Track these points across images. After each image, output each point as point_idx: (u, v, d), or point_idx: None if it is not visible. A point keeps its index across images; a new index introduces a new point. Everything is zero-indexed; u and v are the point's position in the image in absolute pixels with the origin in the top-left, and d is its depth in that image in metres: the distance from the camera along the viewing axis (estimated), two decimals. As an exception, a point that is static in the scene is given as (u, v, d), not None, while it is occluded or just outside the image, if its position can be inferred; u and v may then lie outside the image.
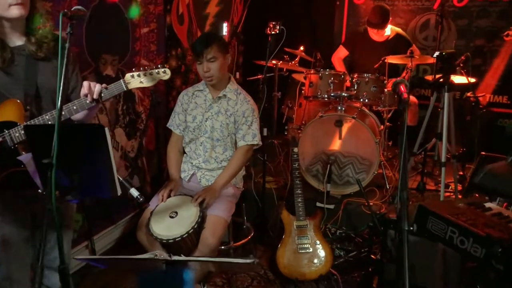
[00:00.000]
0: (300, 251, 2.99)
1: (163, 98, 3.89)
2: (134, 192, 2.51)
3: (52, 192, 1.33)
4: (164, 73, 1.97)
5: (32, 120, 1.82)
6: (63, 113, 1.83)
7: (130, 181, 2.59)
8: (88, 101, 1.86)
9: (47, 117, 1.83)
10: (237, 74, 4.44)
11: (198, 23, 4.30)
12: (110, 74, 3.26)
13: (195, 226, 2.44)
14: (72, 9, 1.69)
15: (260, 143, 2.87)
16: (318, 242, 3.01)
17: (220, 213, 2.59)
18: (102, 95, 1.88)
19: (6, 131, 1.77)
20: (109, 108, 3.35)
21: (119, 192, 1.68)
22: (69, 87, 2.06)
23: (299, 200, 3.08)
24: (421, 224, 1.77)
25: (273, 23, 3.33)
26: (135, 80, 1.91)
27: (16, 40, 1.88)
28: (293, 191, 3.10)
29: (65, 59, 1.56)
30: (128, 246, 3.31)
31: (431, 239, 1.75)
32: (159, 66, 1.97)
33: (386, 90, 3.93)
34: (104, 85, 1.90)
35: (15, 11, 1.77)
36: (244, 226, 3.25)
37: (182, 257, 1.50)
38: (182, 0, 4.00)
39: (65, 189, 1.53)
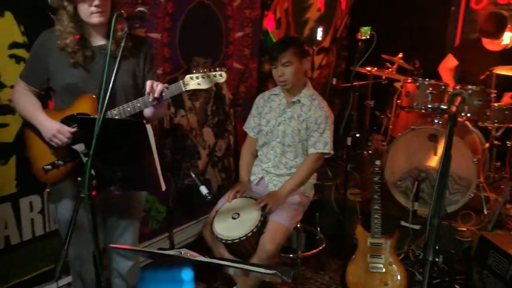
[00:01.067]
0: (372, 270, 2.81)
1: (253, 100, 3.95)
2: (203, 190, 2.60)
3: (86, 180, 1.42)
4: (221, 76, 2.00)
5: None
6: (128, 109, 1.96)
7: (201, 179, 2.66)
8: (150, 100, 1.96)
9: (115, 111, 1.97)
10: (334, 80, 4.34)
11: (297, 28, 4.29)
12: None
13: (254, 230, 2.44)
14: (136, 10, 1.78)
15: (332, 152, 2.76)
16: (393, 263, 2.81)
17: (282, 220, 2.54)
18: (163, 94, 1.97)
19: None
20: (199, 108, 3.50)
21: (163, 187, 1.73)
22: (144, 85, 2.20)
23: (376, 216, 2.90)
24: (481, 258, 1.54)
25: (364, 28, 3.18)
26: (193, 82, 1.97)
27: (98, 41, 2.05)
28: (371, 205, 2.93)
29: (118, 58, 1.65)
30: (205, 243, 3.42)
31: (493, 275, 1.52)
32: (217, 69, 2.01)
33: (494, 104, 3.52)
34: (165, 84, 1.99)
35: (96, 19, 1.93)
36: (317, 237, 3.16)
37: (206, 259, 1.50)
38: (280, 5, 4.03)
39: (108, 179, 1.64)
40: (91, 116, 1.89)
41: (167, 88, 1.98)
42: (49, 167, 1.78)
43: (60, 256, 1.43)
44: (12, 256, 2.53)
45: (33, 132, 2.03)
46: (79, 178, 1.47)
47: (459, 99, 1.39)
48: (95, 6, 1.88)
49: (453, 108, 1.34)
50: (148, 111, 2.10)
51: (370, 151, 4.06)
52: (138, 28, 2.91)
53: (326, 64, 4.75)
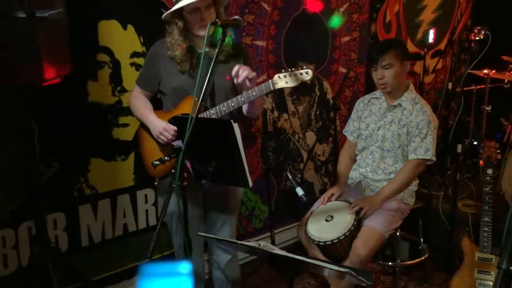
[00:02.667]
0: (479, 287, 2.61)
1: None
2: (299, 191, 2.65)
3: (177, 173, 1.58)
4: (306, 74, 2.04)
5: (204, 113, 2.16)
6: (223, 108, 2.11)
7: (298, 181, 2.73)
8: (242, 99, 2.07)
9: (212, 111, 2.13)
10: (450, 84, 4.09)
11: (408, 30, 4.15)
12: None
13: (347, 234, 2.43)
14: (232, 18, 1.92)
15: (434, 158, 2.62)
16: (504, 281, 2.58)
17: (376, 225, 2.49)
18: (254, 93, 2.07)
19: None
20: (302, 112, 3.58)
21: (251, 183, 1.84)
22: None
23: (486, 229, 2.69)
24: None
25: (478, 28, 2.98)
26: (281, 81, 2.05)
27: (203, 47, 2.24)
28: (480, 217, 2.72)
29: (212, 62, 1.79)
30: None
31: None
32: (304, 67, 2.06)
33: None
34: (254, 74, 2.08)
35: (201, 32, 2.12)
36: (420, 247, 3.02)
37: (283, 253, 1.57)
38: (390, 8, 3.94)
39: (200, 173, 1.79)
40: (185, 116, 2.09)
41: (252, 78, 2.08)
42: (157, 162, 1.99)
43: (152, 237, 1.60)
44: (129, 242, 2.85)
45: (145, 131, 2.30)
46: (172, 170, 1.63)
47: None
48: (203, 19, 2.07)
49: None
50: (244, 108, 2.25)
51: (481, 159, 3.75)
52: (245, 36, 3.09)
53: (442, 67, 4.50)
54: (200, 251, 2.52)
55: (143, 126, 2.32)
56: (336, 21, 3.59)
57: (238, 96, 2.10)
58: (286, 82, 2.04)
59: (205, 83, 1.75)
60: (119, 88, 2.66)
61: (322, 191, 3.78)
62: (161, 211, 1.63)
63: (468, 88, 3.52)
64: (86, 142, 2.58)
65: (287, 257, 1.55)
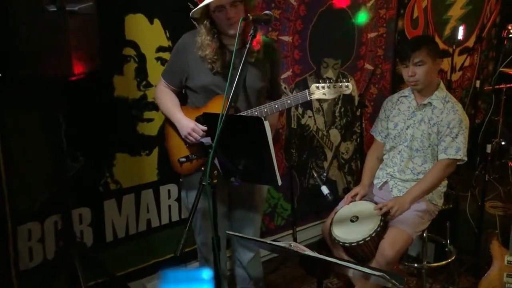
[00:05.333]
0: (508, 291, 2.55)
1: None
2: (324, 189, 2.62)
3: (207, 170, 1.55)
4: (347, 88, 1.99)
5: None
6: (256, 113, 2.07)
7: (323, 179, 2.68)
8: (288, 101, 2.04)
9: (244, 114, 2.09)
10: (477, 82, 3.99)
11: (436, 27, 4.05)
12: (330, 76, 3.41)
13: (373, 235, 2.37)
14: (263, 13, 1.88)
15: (465, 159, 2.55)
16: (535, 286, 2.51)
17: (404, 226, 2.44)
18: (289, 101, 2.03)
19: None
20: (326, 110, 3.52)
21: (279, 182, 1.81)
22: (272, 88, 2.32)
23: (516, 232, 2.62)
24: None
25: (511, 25, 2.88)
26: (319, 92, 2.00)
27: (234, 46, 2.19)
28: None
29: (243, 58, 1.75)
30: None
31: None
32: (343, 80, 2.01)
33: None
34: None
35: (230, 31, 2.06)
36: (446, 249, 2.96)
37: (314, 253, 1.53)
38: (418, 3, 3.85)
39: (230, 171, 1.76)
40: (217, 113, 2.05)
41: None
42: (183, 159, 1.96)
43: (181, 236, 1.58)
44: (152, 238, 2.84)
45: (171, 127, 2.26)
46: (202, 168, 1.60)
47: None
48: (229, 18, 2.01)
49: None
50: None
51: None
52: (271, 31, 3.05)
53: (469, 65, 4.39)
54: (222, 248, 2.50)
55: (169, 121, 2.28)
56: (362, 17, 3.52)
57: (272, 103, 2.05)
58: (324, 94, 1.98)
59: (235, 82, 1.70)
60: (144, 82, 2.64)
61: (346, 190, 3.73)
62: (191, 209, 1.60)
63: (498, 86, 3.42)
64: (111, 137, 2.57)
65: (318, 259, 1.51)
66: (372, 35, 3.64)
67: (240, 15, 2.01)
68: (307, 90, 2.03)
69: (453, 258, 2.91)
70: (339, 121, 3.62)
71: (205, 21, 2.07)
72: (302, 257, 1.52)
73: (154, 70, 2.63)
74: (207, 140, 1.98)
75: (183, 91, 2.34)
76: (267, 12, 1.88)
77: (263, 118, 1.67)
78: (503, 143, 3.83)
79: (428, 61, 2.50)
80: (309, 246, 3.55)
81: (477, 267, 3.04)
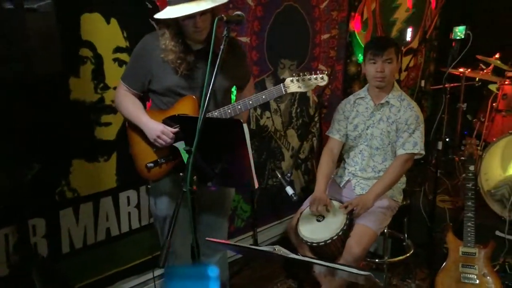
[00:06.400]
0: (464, 281, 2.67)
1: (338, 102, 3.92)
2: (289, 190, 2.63)
3: (188, 176, 1.50)
4: (322, 79, 2.01)
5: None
6: (229, 111, 2.03)
7: (288, 180, 2.69)
8: (250, 102, 2.02)
9: (216, 113, 2.05)
10: (423, 82, 4.18)
11: (384, 28, 4.20)
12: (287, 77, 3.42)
13: (340, 233, 2.41)
14: (233, 14, 1.84)
15: (423, 152, 2.66)
16: (487, 274, 2.65)
17: (369, 223, 2.50)
18: (264, 97, 2.02)
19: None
20: (283, 110, 3.54)
21: (256, 185, 1.78)
22: (241, 88, 2.28)
23: (469, 224, 2.75)
24: None
25: (458, 27, 3.04)
26: (294, 85, 2.00)
27: (199, 45, 2.14)
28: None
29: (218, 61, 1.70)
30: (289, 243, 3.44)
31: None
32: (317, 72, 2.02)
33: None
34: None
35: (198, 38, 2.05)
36: (404, 243, 3.07)
37: (299, 257, 1.53)
38: (368, 5, 3.97)
39: (206, 176, 1.71)
40: (192, 115, 2.00)
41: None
42: (151, 164, 1.89)
43: (164, 247, 1.52)
44: (111, 247, 2.72)
45: (136, 132, 2.16)
46: (181, 174, 1.55)
47: None
48: (197, 27, 1.98)
49: None
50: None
51: (462, 157, 3.86)
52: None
53: (414, 66, 4.59)
54: (186, 255, 2.43)
55: (132, 126, 2.18)
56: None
57: (246, 99, 2.02)
58: (299, 87, 1.99)
59: (211, 82, 1.66)
60: (101, 85, 2.52)
61: (304, 189, 3.78)
62: (173, 216, 1.54)
63: (450, 85, 3.60)
64: (67, 142, 2.43)
65: (306, 261, 1.50)
66: (325, 36, 3.70)
67: (208, 23, 2.00)
68: (281, 84, 2.03)
69: (411, 252, 3.02)
70: (295, 122, 3.65)
71: (170, 27, 2.02)
72: (288, 260, 1.51)
73: (112, 71, 2.52)
74: (179, 144, 1.91)
75: (144, 95, 2.26)
76: (238, 12, 1.84)
77: (241, 120, 1.64)
78: (447, 139, 4.04)
79: (394, 60, 2.60)
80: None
81: (433, 260, 3.17)
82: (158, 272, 2.75)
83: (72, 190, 2.49)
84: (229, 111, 2.01)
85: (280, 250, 1.55)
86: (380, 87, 2.65)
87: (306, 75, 2.01)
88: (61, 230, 2.49)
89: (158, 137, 2.02)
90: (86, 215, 2.58)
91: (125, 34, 2.55)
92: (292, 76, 2.05)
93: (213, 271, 0.62)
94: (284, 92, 2.02)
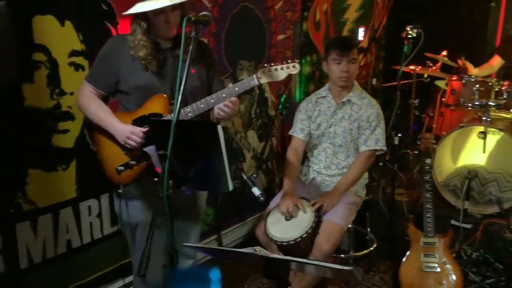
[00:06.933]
0: (426, 270, 2.78)
1: (296, 103, 3.96)
2: (256, 191, 2.61)
3: (164, 181, 1.46)
4: (294, 68, 2.03)
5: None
6: (201, 105, 2.01)
7: (254, 180, 2.68)
8: (224, 95, 2.00)
9: (188, 109, 2.01)
10: (374, 80, 4.32)
11: (336, 29, 4.29)
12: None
13: (309, 231, 2.44)
14: (200, 14, 1.82)
15: (384, 148, 2.75)
16: (447, 262, 2.77)
17: (337, 219, 2.55)
18: (237, 89, 2.01)
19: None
20: (243, 111, 3.53)
21: (231, 187, 1.76)
22: (209, 88, 2.25)
23: (429, 215, 2.87)
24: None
25: (410, 26, 3.16)
26: (266, 75, 2.01)
27: (168, 43, 2.12)
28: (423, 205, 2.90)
29: (187, 60, 1.69)
30: (254, 243, 3.43)
31: None
32: (289, 61, 2.04)
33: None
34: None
35: (168, 34, 2.04)
36: (367, 237, 3.15)
37: (280, 256, 1.52)
38: (320, 6, 4.04)
39: (181, 180, 1.67)
40: (164, 118, 1.95)
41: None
42: (122, 168, 1.83)
43: (143, 254, 1.47)
44: (73, 259, 2.61)
45: (103, 135, 2.09)
46: (156, 179, 1.50)
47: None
48: (169, 22, 1.99)
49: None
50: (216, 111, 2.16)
51: (416, 151, 4.03)
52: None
53: (365, 64, 4.73)
54: (160, 262, 2.37)
55: (100, 130, 2.11)
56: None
57: (218, 92, 2.01)
58: (271, 76, 1.99)
59: (183, 82, 1.63)
60: (57, 90, 2.40)
61: (266, 189, 3.79)
62: (151, 224, 1.49)
63: (405, 82, 3.74)
64: (23, 152, 2.30)
65: (284, 260, 1.51)
66: (280, 37, 3.73)
67: (177, 20, 2.02)
68: (254, 75, 2.03)
69: (375, 245, 3.10)
70: (255, 122, 3.66)
71: (142, 22, 2.00)
72: (269, 261, 1.50)
73: (68, 76, 2.41)
74: (150, 149, 1.85)
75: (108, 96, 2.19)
76: (205, 13, 1.83)
77: (215, 122, 1.62)
78: (399, 135, 4.18)
79: (357, 60, 2.68)
80: (236, 248, 3.56)
81: (394, 252, 3.28)
82: (125, 280, 2.68)
83: (29, 202, 2.36)
84: (202, 105, 2.00)
85: (261, 251, 1.54)
86: (344, 87, 2.71)
87: (278, 65, 2.02)
88: (18, 245, 2.35)
89: (128, 138, 1.97)
90: (45, 227, 2.45)
91: (81, 37, 2.44)
92: (264, 67, 2.05)
93: (215, 274, 0.60)
94: (257, 83, 2.03)
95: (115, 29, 2.55)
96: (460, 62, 3.98)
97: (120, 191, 2.09)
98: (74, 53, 2.44)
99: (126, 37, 2.06)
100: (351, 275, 1.50)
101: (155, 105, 2.01)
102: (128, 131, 1.97)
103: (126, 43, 2.03)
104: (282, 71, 2.02)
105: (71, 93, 2.42)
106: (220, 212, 3.42)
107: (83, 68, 2.46)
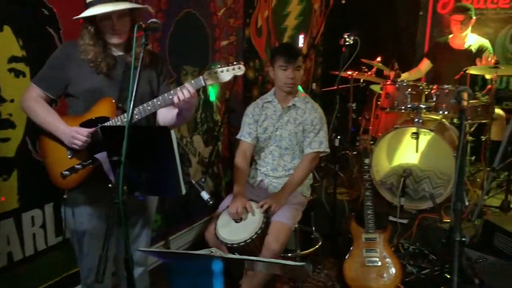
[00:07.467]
0: (368, 264, 2.93)
1: (239, 107, 4.03)
2: (205, 195, 2.64)
3: (120, 187, 1.47)
4: (239, 69, 2.08)
5: (120, 116, 2.03)
6: (148, 107, 2.02)
7: (202, 185, 2.71)
8: (170, 97, 2.02)
9: (135, 111, 2.00)
10: (314, 85, 4.49)
11: (277, 35, 4.42)
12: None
13: (259, 232, 2.51)
14: (148, 21, 1.85)
15: (328, 150, 2.88)
16: (387, 256, 2.94)
17: (284, 219, 2.64)
18: (184, 90, 2.03)
19: (100, 125, 2.00)
20: (188, 116, 3.55)
21: (184, 191, 1.79)
22: (158, 94, 2.26)
23: (369, 212, 3.04)
24: (487, 240, 1.69)
25: (348, 33, 3.33)
26: (213, 76, 2.05)
27: (119, 51, 2.13)
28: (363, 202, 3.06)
29: (139, 67, 1.72)
30: (203, 247, 3.45)
31: (498, 256, 1.66)
32: (234, 63, 2.09)
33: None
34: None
35: (113, 40, 2.06)
36: (312, 236, 3.27)
37: (236, 256, 1.58)
38: (261, 13, 4.15)
39: (134, 185, 1.68)
40: (112, 124, 1.95)
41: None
42: (67, 172, 1.81)
43: (100, 261, 1.46)
44: (15, 273, 2.51)
45: (49, 139, 2.07)
46: (110, 185, 1.51)
47: (465, 95, 1.52)
48: (113, 29, 2.01)
49: (464, 103, 1.47)
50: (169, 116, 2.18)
51: (355, 152, 4.22)
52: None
53: (305, 70, 4.89)
54: (110, 270, 2.34)
55: (45, 134, 2.08)
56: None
57: (165, 94, 2.03)
58: (217, 78, 2.04)
59: (134, 89, 1.66)
60: (-4, 98, 2.32)
61: (213, 193, 3.82)
62: (106, 229, 1.49)
63: (343, 86, 3.91)
64: (-40, 163, 2.20)
65: (240, 259, 1.56)
66: (224, 43, 3.79)
67: (126, 27, 2.05)
68: (201, 76, 2.06)
69: (319, 244, 3.22)
70: (201, 127, 3.69)
71: (89, 27, 2.01)
72: (227, 260, 1.55)
73: (8, 82, 2.33)
74: (101, 155, 1.84)
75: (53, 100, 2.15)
76: (154, 20, 1.85)
77: (168, 127, 1.64)
78: (338, 137, 4.37)
79: (302, 67, 2.78)
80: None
81: (338, 249, 3.42)
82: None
83: (-32, 215, 2.26)
84: (148, 108, 2.01)
85: (217, 252, 1.58)
86: (290, 93, 2.82)
87: (224, 67, 2.08)
88: (-45, 261, 2.25)
89: (73, 137, 1.96)
90: (-15, 241, 2.35)
91: (20, 43, 2.37)
92: (211, 68, 2.10)
93: (217, 266, 0.65)
94: (203, 84, 2.06)
95: (57, 34, 2.49)
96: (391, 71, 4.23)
97: (65, 196, 2.05)
98: (13, 59, 2.36)
99: (77, 43, 2.06)
100: (303, 270, 1.58)
101: (101, 109, 2.02)
102: (73, 131, 1.97)
103: (76, 47, 2.04)
104: (227, 73, 2.07)
105: (12, 100, 2.34)
106: (168, 218, 3.41)
107: (23, 75, 2.39)
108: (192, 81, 2.05)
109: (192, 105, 2.10)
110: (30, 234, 2.56)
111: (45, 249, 2.65)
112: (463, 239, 1.25)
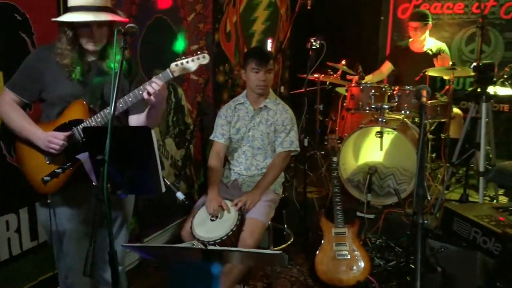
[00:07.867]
0: (338, 258, 3.06)
1: (210, 110, 4.11)
2: (180, 195, 2.71)
3: (104, 185, 1.53)
4: (204, 58, 2.15)
5: (94, 117, 2.07)
6: (120, 105, 2.06)
7: (177, 186, 2.79)
8: (140, 92, 2.07)
9: (106, 111, 2.06)
10: (282, 88, 4.62)
11: (245, 40, 4.53)
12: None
13: (234, 229, 2.61)
14: (126, 26, 1.91)
15: (298, 149, 3.01)
16: (356, 249, 3.08)
17: (258, 216, 2.73)
18: (153, 83, 2.09)
19: (74, 128, 2.05)
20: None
21: (164, 189, 1.87)
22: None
23: (338, 208, 3.17)
24: (447, 225, 1.83)
25: (314, 38, 3.48)
26: (179, 68, 2.11)
27: (93, 57, 2.18)
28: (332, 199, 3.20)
29: (118, 70, 1.78)
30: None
31: (457, 240, 1.82)
32: (198, 52, 2.16)
33: (428, 102, 3.96)
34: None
35: (89, 46, 2.09)
36: (284, 233, 3.38)
37: (216, 247, 1.66)
38: (230, 18, 4.25)
39: (116, 184, 1.74)
40: (90, 125, 2.00)
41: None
42: (48, 178, 1.84)
43: (88, 255, 1.52)
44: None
45: (25, 146, 2.08)
46: (94, 183, 1.57)
47: (424, 92, 1.66)
48: (91, 37, 2.05)
49: (424, 99, 1.61)
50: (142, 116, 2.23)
51: (322, 151, 4.37)
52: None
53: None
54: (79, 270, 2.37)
55: (21, 141, 2.10)
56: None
57: (135, 90, 2.07)
58: (184, 69, 2.10)
59: (115, 95, 1.73)
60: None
61: (186, 195, 3.87)
62: (92, 230, 1.55)
63: (311, 89, 4.05)
64: None
65: (222, 250, 1.65)
66: (194, 47, 3.87)
67: (104, 36, 2.09)
68: (168, 69, 2.11)
69: (291, 240, 3.34)
70: (173, 130, 3.75)
71: (68, 32, 2.04)
72: (206, 254, 1.62)
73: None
74: (83, 156, 1.89)
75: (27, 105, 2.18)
76: (131, 25, 1.92)
77: (149, 127, 1.71)
78: (306, 138, 4.52)
79: (273, 70, 2.89)
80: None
81: (308, 245, 3.54)
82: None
83: None
84: (120, 105, 2.05)
85: (198, 245, 1.66)
86: (262, 94, 2.94)
87: (189, 57, 2.12)
88: None
89: (50, 141, 2.00)
90: (-41, 247, 2.34)
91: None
92: (176, 60, 2.15)
93: (216, 268, 0.70)
94: (171, 76, 2.10)
95: (30, 40, 2.51)
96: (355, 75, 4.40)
97: (48, 201, 2.08)
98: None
99: (52, 47, 2.08)
100: (280, 259, 1.68)
101: (74, 112, 2.06)
102: (49, 135, 2.00)
103: (52, 52, 2.07)
104: (193, 63, 2.13)
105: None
106: (141, 220, 3.45)
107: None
108: (160, 74, 2.11)
109: (163, 98, 2.14)
110: (5, 238, 2.56)
111: (20, 254, 2.65)
112: (425, 221, 1.37)
